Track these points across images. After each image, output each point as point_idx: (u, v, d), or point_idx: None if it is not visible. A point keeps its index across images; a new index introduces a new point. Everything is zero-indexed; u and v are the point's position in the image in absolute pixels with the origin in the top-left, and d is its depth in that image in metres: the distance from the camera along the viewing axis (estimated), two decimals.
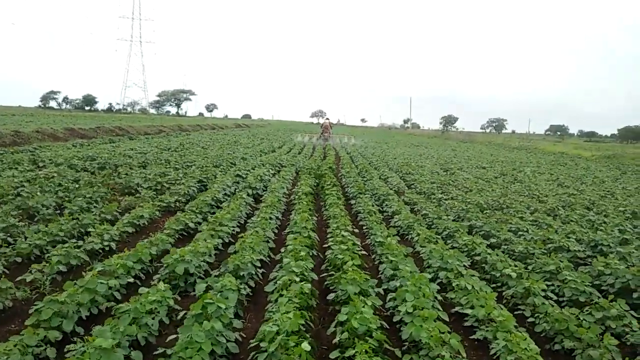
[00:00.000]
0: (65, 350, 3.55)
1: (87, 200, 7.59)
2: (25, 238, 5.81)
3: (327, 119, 36.38)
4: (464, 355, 3.77)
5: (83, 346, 3.46)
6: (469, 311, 4.49)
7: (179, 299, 4.71)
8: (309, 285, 4.44)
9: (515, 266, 5.59)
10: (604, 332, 4.35)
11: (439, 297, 4.76)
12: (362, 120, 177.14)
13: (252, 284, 4.98)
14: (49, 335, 3.67)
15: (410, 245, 6.99)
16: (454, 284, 5.02)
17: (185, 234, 6.79)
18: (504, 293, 5.23)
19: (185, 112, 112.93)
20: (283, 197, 9.63)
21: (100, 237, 5.81)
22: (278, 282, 4.60)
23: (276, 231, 7.06)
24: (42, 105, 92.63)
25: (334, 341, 3.92)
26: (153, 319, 3.98)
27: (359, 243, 6.21)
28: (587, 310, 4.52)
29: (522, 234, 7.20)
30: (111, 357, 3.24)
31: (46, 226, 6.19)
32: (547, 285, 5.34)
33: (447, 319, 4.30)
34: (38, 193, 7.82)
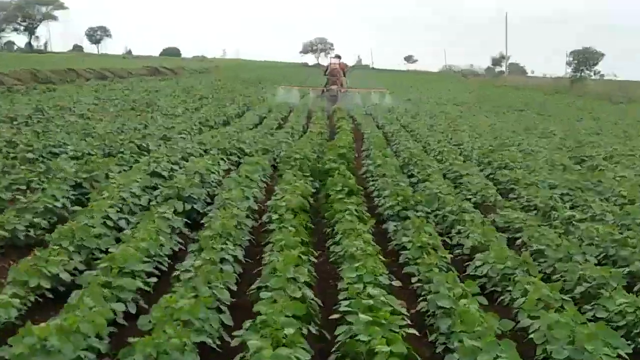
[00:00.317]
0: None
1: None
2: None
3: (339, 57, 36.57)
4: None
5: None
6: None
7: None
8: None
9: None
10: None
11: None
12: (409, 59, 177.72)
13: None
14: None
15: (507, 313, 6.99)
16: None
17: (52, 295, 6.82)
18: None
19: (46, 45, 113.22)
20: (247, 217, 9.67)
21: None
22: None
23: (233, 288, 7.08)
24: None
25: None
26: None
27: (403, 310, 6.21)
28: None
29: None
30: None
31: None
32: None
33: None
34: None
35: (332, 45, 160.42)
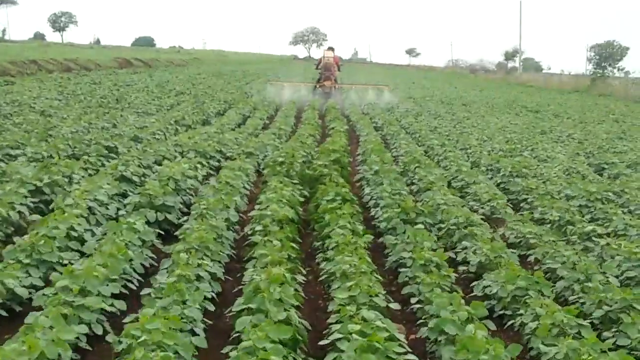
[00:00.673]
0: None
1: None
2: None
3: (332, 49, 36.63)
4: None
5: None
6: None
7: None
8: None
9: None
10: None
11: None
12: (411, 52, 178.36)
13: None
14: None
15: (518, 339, 7.01)
16: None
17: (6, 313, 6.82)
18: None
19: (4, 33, 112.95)
20: (228, 228, 9.67)
21: None
22: None
23: (211, 308, 7.07)
24: None
25: None
26: None
27: (401, 336, 6.21)
28: None
29: None
30: None
31: None
32: None
33: None
34: None
35: (325, 36, 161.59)
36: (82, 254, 8.29)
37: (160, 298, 6.66)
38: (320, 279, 8.49)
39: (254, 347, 5.57)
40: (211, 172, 14.50)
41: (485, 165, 16.53)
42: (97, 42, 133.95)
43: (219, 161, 15.66)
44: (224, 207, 10.40)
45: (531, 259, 9.57)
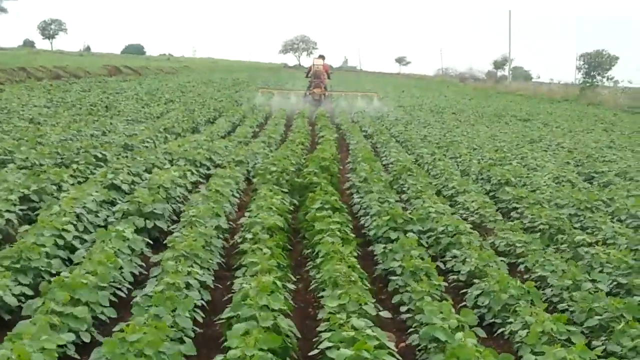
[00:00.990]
0: None
1: None
2: None
3: (322, 57, 36.84)
4: None
5: None
6: None
7: None
8: None
9: None
10: None
11: None
12: (401, 61, 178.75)
13: None
14: None
15: (508, 347, 7.03)
16: None
17: None
18: None
19: None
20: (217, 236, 9.67)
21: None
22: None
23: (201, 316, 7.06)
24: None
25: None
26: None
27: (391, 344, 6.20)
28: None
29: None
30: None
31: None
32: None
33: None
34: None
35: (315, 44, 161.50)
36: (71, 261, 8.27)
37: (150, 306, 6.65)
38: (310, 287, 8.48)
39: (243, 355, 5.56)
40: (201, 180, 14.50)
41: (475, 174, 16.57)
42: (87, 49, 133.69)
43: (208, 169, 15.65)
44: (213, 215, 10.39)
45: (521, 267, 9.59)
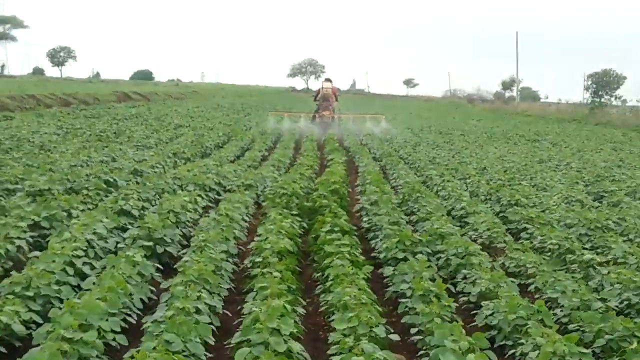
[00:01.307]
0: None
1: None
2: None
3: (329, 80, 37.07)
4: None
5: None
6: None
7: None
8: None
9: None
10: None
11: None
12: (408, 83, 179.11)
13: None
14: None
15: None
16: None
17: (4, 349, 6.79)
18: None
19: (3, 68, 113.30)
20: (227, 260, 9.67)
21: None
22: None
23: (211, 341, 7.05)
24: None
25: None
26: None
27: None
28: None
29: None
30: None
31: None
32: None
33: None
34: None
35: (323, 67, 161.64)
36: (81, 288, 8.27)
37: (160, 332, 6.65)
38: (320, 310, 8.48)
39: None
40: (210, 204, 14.52)
41: (484, 195, 16.55)
42: (96, 76, 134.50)
43: (218, 194, 15.69)
44: (223, 239, 10.40)
45: (531, 288, 9.56)
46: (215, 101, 66.25)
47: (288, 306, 7.31)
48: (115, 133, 27.24)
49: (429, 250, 10.76)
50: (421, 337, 7.49)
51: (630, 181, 19.83)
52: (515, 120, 58.78)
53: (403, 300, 8.62)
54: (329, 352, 6.76)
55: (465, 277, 9.66)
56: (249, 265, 9.67)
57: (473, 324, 8.22)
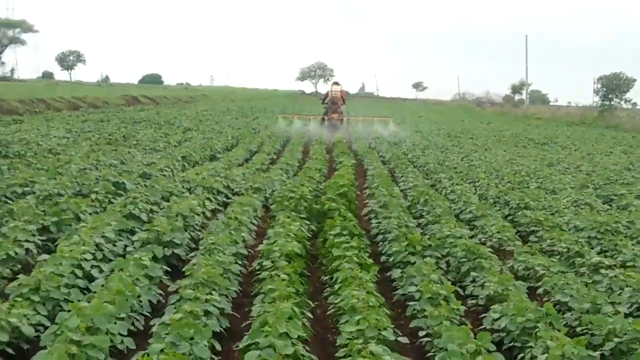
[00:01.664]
0: None
1: None
2: None
3: (337, 83, 37.45)
4: None
5: None
6: None
7: None
8: None
9: None
10: None
11: None
12: (418, 86, 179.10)
13: None
14: None
15: None
16: None
17: (12, 352, 6.80)
18: None
19: (12, 72, 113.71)
20: (235, 263, 9.68)
21: None
22: None
23: (218, 345, 7.04)
24: None
25: None
26: None
27: None
28: None
29: None
30: None
31: None
32: None
33: None
34: None
35: (332, 70, 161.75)
36: (90, 291, 8.29)
37: (168, 334, 6.65)
38: (329, 312, 8.47)
39: None
40: (219, 207, 14.53)
41: (493, 198, 16.52)
42: (106, 79, 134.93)
43: (226, 197, 15.70)
44: (232, 242, 10.41)
45: (540, 290, 9.54)
46: (224, 104, 66.34)
47: (296, 309, 7.32)
48: (124, 137, 27.31)
49: (438, 254, 10.75)
50: (429, 340, 7.48)
51: None
52: (524, 124, 58.69)
53: (411, 303, 8.61)
54: (337, 354, 6.76)
55: (474, 280, 9.64)
56: (257, 268, 9.67)
57: (482, 327, 8.20)
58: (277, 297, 7.69)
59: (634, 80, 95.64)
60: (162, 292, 8.74)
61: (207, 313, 7.44)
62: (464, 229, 12.23)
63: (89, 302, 7.28)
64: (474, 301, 9.14)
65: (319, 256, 10.93)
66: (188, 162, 20.87)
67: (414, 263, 9.90)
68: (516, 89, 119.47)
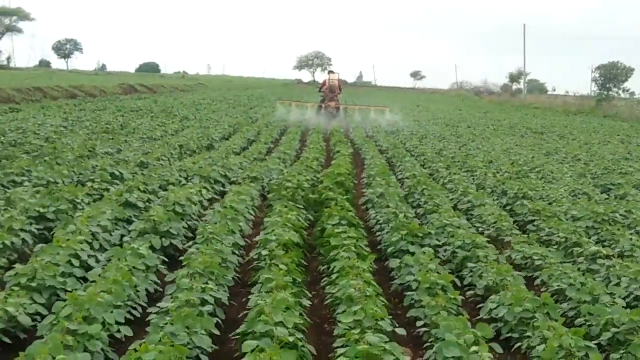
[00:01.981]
0: None
1: None
2: None
3: (334, 72, 37.92)
4: None
5: None
6: None
7: None
8: None
9: None
10: None
11: None
12: (415, 75, 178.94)
13: None
14: None
15: None
16: None
17: (9, 340, 6.79)
18: None
19: (9, 60, 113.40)
20: (233, 253, 9.68)
21: None
22: None
23: (216, 333, 7.04)
24: None
25: None
26: None
27: (407, 359, 6.18)
28: None
29: None
30: None
31: None
32: None
33: None
34: None
35: (329, 59, 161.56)
36: (86, 280, 8.28)
37: (165, 324, 6.65)
38: (326, 302, 8.47)
39: None
40: (216, 196, 14.53)
41: (491, 187, 16.52)
42: (102, 68, 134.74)
43: (223, 186, 15.68)
44: (229, 231, 10.40)
45: (538, 281, 9.54)
46: (222, 93, 66.31)
47: (293, 299, 7.32)
48: (121, 125, 27.29)
49: (436, 243, 10.76)
50: (427, 330, 7.49)
51: (638, 174, 19.82)
52: (522, 113, 58.78)
53: (409, 293, 8.62)
54: (334, 344, 6.75)
55: (471, 270, 9.64)
56: (254, 258, 9.66)
57: (479, 317, 8.21)
58: (275, 287, 7.68)
59: (632, 70, 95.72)
60: (159, 282, 8.74)
61: (203, 302, 7.43)
62: (462, 218, 12.25)
63: (85, 291, 7.27)
64: (471, 291, 9.14)
65: (316, 246, 10.92)
66: (185, 151, 20.84)
67: (412, 253, 9.89)
68: (514, 78, 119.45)
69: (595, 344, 7.04)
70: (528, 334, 7.35)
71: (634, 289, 8.77)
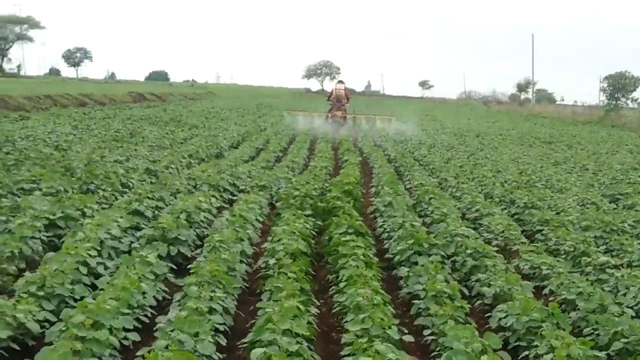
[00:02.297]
0: None
1: None
2: None
3: (342, 82, 38.30)
4: None
5: None
6: None
7: None
8: None
9: None
10: None
11: None
12: (424, 85, 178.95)
13: None
14: None
15: None
16: None
17: (18, 347, 6.80)
18: None
19: (19, 68, 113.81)
20: (241, 261, 9.67)
21: None
22: None
23: (223, 342, 7.03)
24: None
25: None
26: None
27: None
28: None
29: None
30: None
31: None
32: None
33: None
34: None
35: (338, 69, 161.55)
36: (95, 288, 8.28)
37: (173, 331, 6.64)
38: (334, 311, 8.46)
39: None
40: (225, 205, 14.54)
41: (499, 197, 16.50)
42: (112, 76, 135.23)
43: (232, 194, 15.69)
44: (237, 240, 10.40)
45: (546, 290, 9.52)
46: (230, 102, 66.39)
47: (301, 307, 7.31)
48: (130, 133, 27.33)
49: (444, 253, 10.73)
50: (434, 339, 7.47)
51: None
52: (530, 122, 58.69)
53: (416, 301, 8.61)
54: (342, 353, 6.74)
55: (479, 279, 9.62)
56: (262, 266, 9.66)
57: (487, 326, 8.19)
58: (283, 295, 7.67)
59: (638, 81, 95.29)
60: (168, 289, 8.74)
61: (211, 310, 7.43)
62: (469, 228, 12.22)
63: (94, 299, 7.28)
64: (479, 301, 9.12)
65: (324, 254, 10.91)
66: (194, 159, 20.87)
67: (420, 262, 9.88)
68: (522, 88, 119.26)
69: (604, 354, 7.02)
70: (536, 343, 7.32)
71: None
